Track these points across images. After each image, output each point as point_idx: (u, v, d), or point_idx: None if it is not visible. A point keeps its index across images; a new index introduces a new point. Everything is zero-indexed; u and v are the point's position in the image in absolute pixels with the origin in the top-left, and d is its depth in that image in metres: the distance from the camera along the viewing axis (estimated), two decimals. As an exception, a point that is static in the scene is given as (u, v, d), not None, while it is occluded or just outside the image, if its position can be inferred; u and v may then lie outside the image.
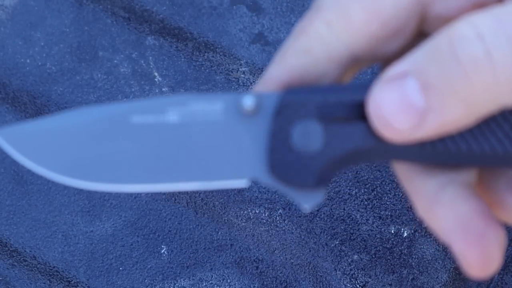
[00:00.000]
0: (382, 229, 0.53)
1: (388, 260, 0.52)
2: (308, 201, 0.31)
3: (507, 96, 0.27)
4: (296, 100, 0.30)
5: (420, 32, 0.32)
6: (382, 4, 0.30)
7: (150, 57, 0.57)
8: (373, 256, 0.52)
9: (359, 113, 0.29)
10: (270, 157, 0.30)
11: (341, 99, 0.29)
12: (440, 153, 0.30)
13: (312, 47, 0.30)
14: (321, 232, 0.53)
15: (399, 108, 0.27)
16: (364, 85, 0.29)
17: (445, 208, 0.32)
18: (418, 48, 0.27)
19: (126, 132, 0.30)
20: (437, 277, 0.52)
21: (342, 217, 0.53)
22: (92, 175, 0.30)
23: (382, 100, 0.28)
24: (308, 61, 0.31)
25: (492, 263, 0.32)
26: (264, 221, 0.53)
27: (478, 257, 0.31)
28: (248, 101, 0.30)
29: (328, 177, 0.31)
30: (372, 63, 0.33)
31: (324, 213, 0.53)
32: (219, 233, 0.53)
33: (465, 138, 0.29)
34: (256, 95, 0.30)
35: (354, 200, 0.53)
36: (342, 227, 0.53)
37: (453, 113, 0.27)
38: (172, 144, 0.30)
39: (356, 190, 0.54)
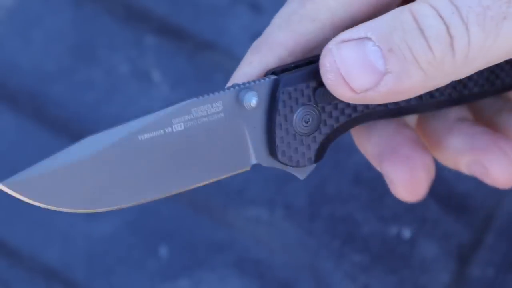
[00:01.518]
0: (383, 230, 0.53)
1: (390, 261, 0.52)
2: (304, 173, 0.34)
3: (460, 72, 0.29)
4: (294, 88, 0.31)
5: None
6: None
7: (149, 56, 0.57)
8: (374, 257, 0.53)
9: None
10: (272, 142, 0.32)
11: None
12: (393, 110, 0.34)
13: (318, 14, 0.32)
14: (321, 233, 0.53)
15: (359, 67, 0.29)
16: None
17: (378, 134, 0.36)
18: (375, 19, 0.29)
19: (137, 152, 0.30)
20: (438, 278, 0.52)
21: (343, 218, 0.53)
22: (112, 199, 0.31)
23: (340, 58, 0.29)
24: (315, 27, 0.32)
25: (418, 186, 0.35)
26: (264, 221, 0.53)
27: (403, 177, 0.35)
28: (249, 99, 0.31)
29: (325, 151, 0.33)
30: None
31: (324, 214, 0.53)
32: (219, 233, 0.53)
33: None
34: (254, 89, 0.31)
35: (355, 201, 0.53)
36: (342, 228, 0.53)
37: (411, 79, 0.29)
38: (179, 151, 0.31)
39: (357, 190, 0.54)
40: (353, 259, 0.53)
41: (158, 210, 0.54)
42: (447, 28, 0.28)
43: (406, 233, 0.53)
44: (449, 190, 0.53)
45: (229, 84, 0.33)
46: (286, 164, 0.33)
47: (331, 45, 0.30)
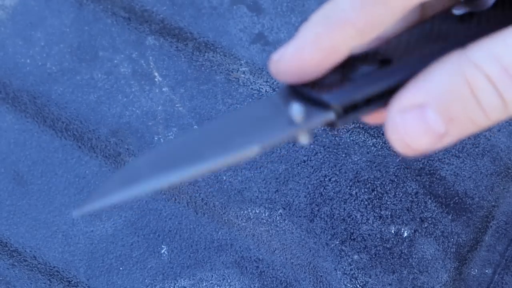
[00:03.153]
0: (383, 229, 0.53)
1: (388, 260, 0.52)
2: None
3: (509, 116, 0.33)
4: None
5: None
6: None
7: (150, 57, 0.57)
8: (373, 256, 0.52)
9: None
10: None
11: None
12: None
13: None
14: (321, 232, 0.53)
15: (421, 134, 0.33)
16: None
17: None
18: (430, 79, 0.32)
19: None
20: (437, 277, 0.52)
21: (342, 217, 0.53)
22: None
23: (402, 127, 0.33)
24: (386, 11, 0.33)
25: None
26: (264, 221, 0.53)
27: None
28: (297, 112, 0.33)
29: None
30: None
31: (324, 213, 0.53)
32: (219, 233, 0.53)
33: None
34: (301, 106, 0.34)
35: (354, 200, 0.53)
36: (342, 227, 0.53)
37: (467, 134, 0.33)
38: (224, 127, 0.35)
39: (357, 190, 0.54)
40: (352, 258, 0.52)
41: (158, 210, 0.54)
42: (502, 97, 0.31)
43: (405, 232, 0.53)
44: (448, 189, 0.53)
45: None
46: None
47: (394, 112, 0.33)
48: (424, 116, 0.32)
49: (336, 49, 0.33)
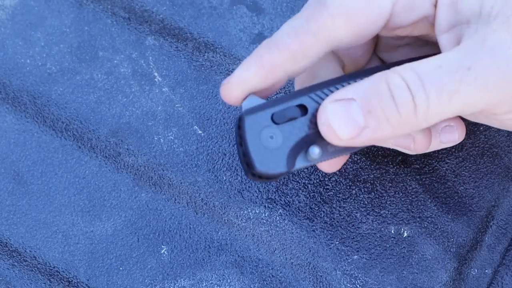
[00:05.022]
0: (382, 229, 0.53)
1: (388, 260, 0.52)
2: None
3: (420, 126, 0.40)
4: (255, 115, 0.42)
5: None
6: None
7: (150, 57, 0.57)
8: (373, 256, 0.53)
9: (300, 113, 0.42)
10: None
11: (286, 107, 0.42)
12: None
13: (319, 32, 0.41)
14: (321, 232, 0.53)
15: (344, 122, 0.40)
16: (298, 93, 0.42)
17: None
18: (360, 83, 0.40)
19: None
20: (437, 277, 0.52)
21: (342, 217, 0.53)
22: None
23: (331, 114, 0.40)
24: (314, 41, 0.41)
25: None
26: (264, 221, 0.53)
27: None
28: (315, 152, 0.43)
29: (294, 160, 0.42)
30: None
31: (324, 213, 0.53)
32: (219, 233, 0.53)
33: None
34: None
35: (354, 200, 0.53)
36: (342, 227, 0.53)
37: (383, 132, 0.39)
38: None
39: (356, 189, 0.54)
40: (352, 258, 0.53)
41: (158, 210, 0.54)
42: (413, 98, 0.38)
43: (405, 232, 0.53)
44: (448, 189, 0.53)
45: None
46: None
47: (326, 102, 0.40)
48: (349, 107, 0.39)
49: (274, 69, 0.41)
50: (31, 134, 0.55)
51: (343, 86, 0.42)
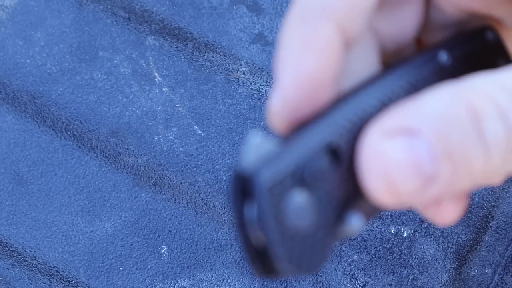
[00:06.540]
0: (382, 229, 0.53)
1: (388, 260, 0.52)
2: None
3: (496, 176, 0.24)
4: (272, 174, 0.23)
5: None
6: None
7: (150, 57, 0.57)
8: (373, 256, 0.53)
9: (328, 159, 0.24)
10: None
11: (311, 150, 0.24)
12: None
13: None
14: (321, 232, 0.53)
15: (408, 169, 0.23)
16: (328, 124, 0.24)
17: None
18: (423, 100, 0.23)
19: None
20: (437, 277, 0.52)
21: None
22: None
23: (386, 155, 0.23)
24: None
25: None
26: (264, 221, 0.53)
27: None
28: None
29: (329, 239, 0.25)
30: None
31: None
32: (219, 233, 0.53)
33: None
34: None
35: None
36: (342, 227, 0.53)
37: (458, 187, 0.23)
38: None
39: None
40: (352, 259, 0.53)
41: (158, 210, 0.54)
42: (509, 129, 0.23)
43: (405, 232, 0.53)
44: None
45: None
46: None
47: (375, 136, 0.23)
48: (413, 144, 0.23)
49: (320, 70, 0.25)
50: (31, 134, 0.55)
51: (389, 98, 0.25)
